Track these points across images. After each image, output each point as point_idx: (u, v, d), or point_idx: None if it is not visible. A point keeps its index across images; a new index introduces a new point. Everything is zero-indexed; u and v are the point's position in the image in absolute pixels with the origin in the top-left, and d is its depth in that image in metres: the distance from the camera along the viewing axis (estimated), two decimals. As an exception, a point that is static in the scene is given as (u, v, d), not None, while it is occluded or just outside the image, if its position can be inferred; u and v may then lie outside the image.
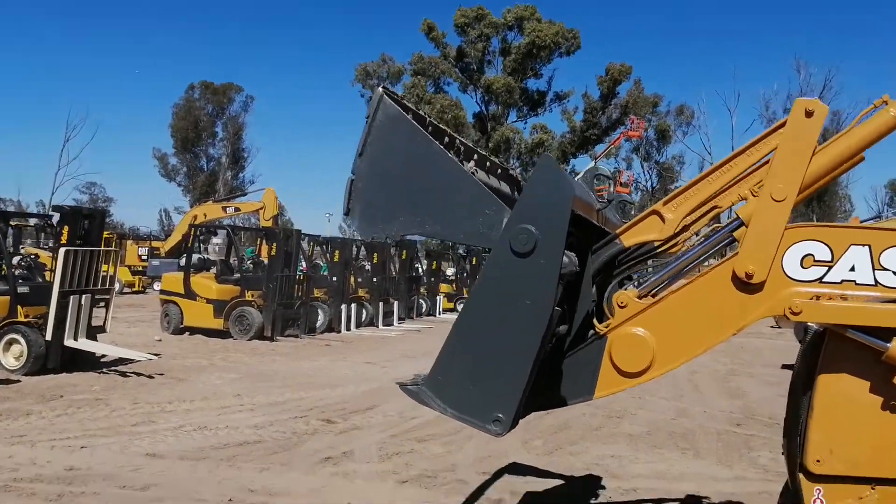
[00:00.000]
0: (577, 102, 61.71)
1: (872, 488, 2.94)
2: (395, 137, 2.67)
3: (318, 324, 17.69)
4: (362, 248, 22.17)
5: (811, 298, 2.85)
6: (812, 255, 2.89)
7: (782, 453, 3.78)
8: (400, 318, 21.47)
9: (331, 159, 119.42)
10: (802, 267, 2.90)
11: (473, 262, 29.63)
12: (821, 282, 2.88)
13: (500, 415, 2.63)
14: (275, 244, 16.15)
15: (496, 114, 60.41)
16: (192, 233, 18.45)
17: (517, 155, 60.14)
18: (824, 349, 3.01)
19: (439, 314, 25.74)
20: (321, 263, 21.50)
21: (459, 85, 61.42)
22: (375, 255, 20.87)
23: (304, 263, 18.64)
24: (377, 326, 19.87)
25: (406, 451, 7.03)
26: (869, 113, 3.05)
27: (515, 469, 6.56)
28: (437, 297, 26.18)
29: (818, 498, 3.03)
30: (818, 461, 2.98)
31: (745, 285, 2.88)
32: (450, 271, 29.62)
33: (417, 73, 59.33)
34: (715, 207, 3.19)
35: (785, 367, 13.76)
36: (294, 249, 16.45)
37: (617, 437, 7.92)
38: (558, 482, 6.26)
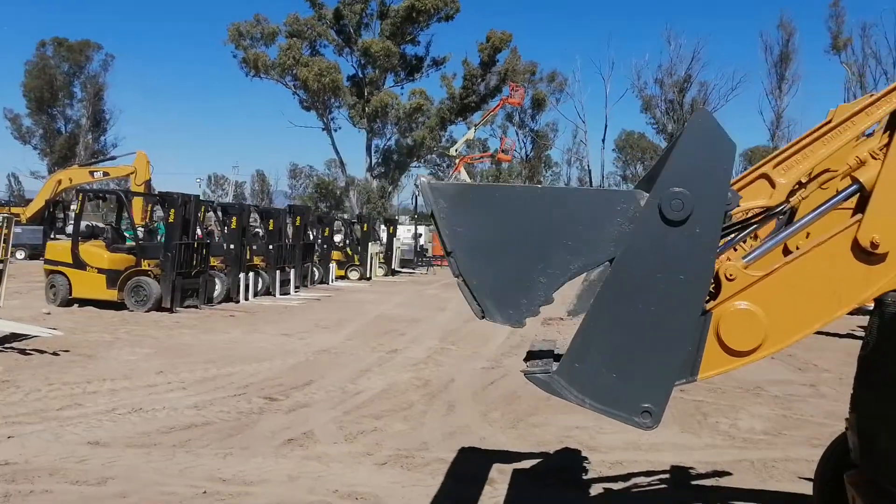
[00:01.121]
0: (457, 68, 61.66)
1: None
2: (470, 213, 2.25)
3: (216, 294, 16.79)
4: (254, 213, 21.28)
5: None
6: None
7: (846, 429, 3.67)
8: (296, 287, 20.75)
9: (201, 122, 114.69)
10: None
11: (364, 229, 29.15)
12: None
13: (650, 405, 2.30)
14: (173, 210, 15.11)
15: (373, 78, 59.42)
16: (80, 198, 17.05)
17: (395, 121, 59.64)
18: None
19: (332, 282, 25.14)
20: (216, 231, 20.41)
21: (335, 48, 60.14)
22: (271, 221, 20.01)
23: (198, 231, 17.59)
24: (274, 296, 19.11)
25: (369, 429, 6.63)
26: None
27: (491, 445, 6.30)
28: (330, 265, 25.54)
29: None
30: None
31: (869, 255, 2.65)
32: (337, 238, 28.94)
33: (293, 34, 57.58)
34: (827, 171, 2.97)
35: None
36: (192, 216, 15.46)
37: (572, 407, 7.67)
38: (539, 458, 6.04)
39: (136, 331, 12.12)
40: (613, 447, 6.36)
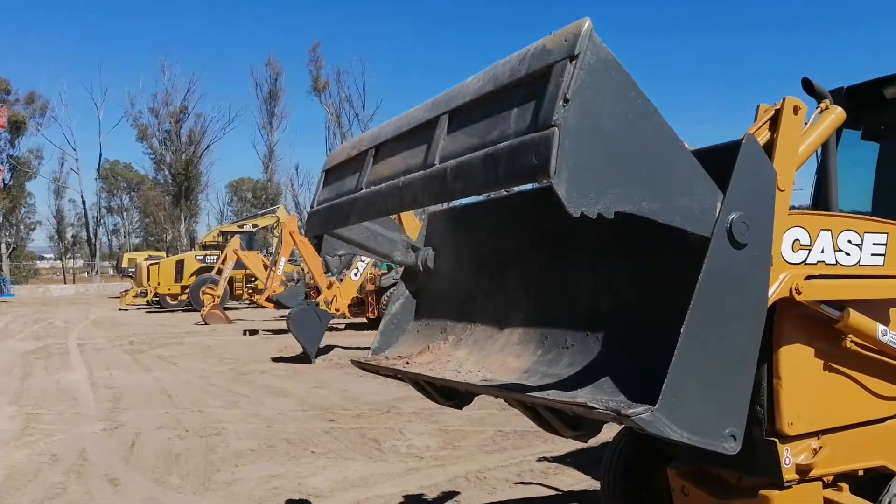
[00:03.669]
0: None
1: (818, 438, 3.39)
2: (607, 87, 2.05)
3: None
4: None
5: (805, 278, 3.17)
6: (798, 240, 3.23)
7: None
8: None
9: None
10: (793, 251, 3.22)
11: None
12: (805, 263, 3.23)
13: (734, 429, 2.33)
14: None
15: None
16: None
17: None
18: (779, 323, 3.33)
19: None
20: None
21: None
22: None
23: None
24: None
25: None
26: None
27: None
28: None
29: (787, 456, 3.38)
30: (791, 424, 3.31)
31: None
32: None
33: None
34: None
35: (278, 359, 14.19)
36: None
37: (246, 455, 7.23)
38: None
39: None
40: (333, 490, 6.07)
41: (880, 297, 3.40)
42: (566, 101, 1.96)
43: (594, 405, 2.32)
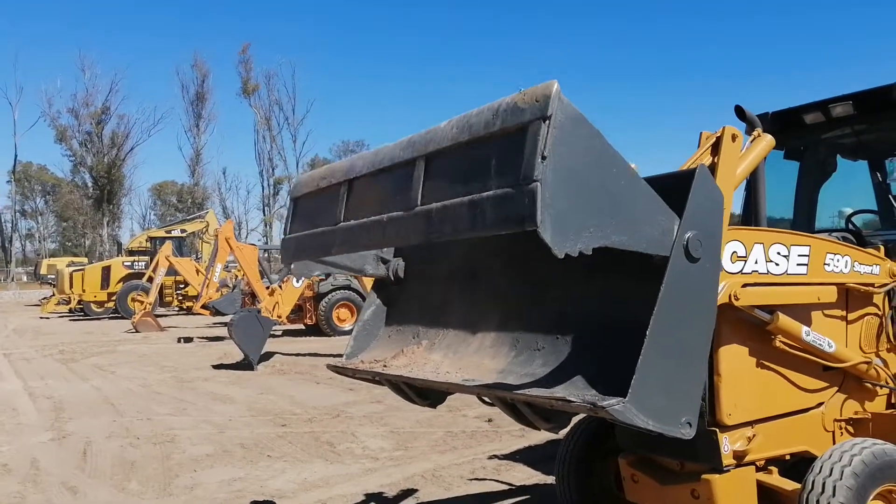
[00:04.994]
0: None
1: (752, 427, 3.83)
2: (576, 140, 2.40)
3: None
4: None
5: (742, 286, 3.62)
6: (736, 252, 3.68)
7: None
8: None
9: None
10: (731, 262, 3.66)
11: None
12: (741, 273, 3.68)
13: (689, 417, 2.72)
14: None
15: None
16: None
17: None
18: (719, 326, 3.76)
19: None
20: None
21: None
22: None
23: None
24: None
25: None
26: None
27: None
28: None
29: (725, 444, 3.82)
30: (729, 415, 3.75)
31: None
32: None
33: None
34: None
35: (219, 367, 14.22)
36: None
37: (203, 461, 7.38)
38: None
39: None
40: (295, 491, 6.29)
41: (804, 301, 3.87)
42: (544, 157, 2.31)
43: (572, 399, 2.68)
